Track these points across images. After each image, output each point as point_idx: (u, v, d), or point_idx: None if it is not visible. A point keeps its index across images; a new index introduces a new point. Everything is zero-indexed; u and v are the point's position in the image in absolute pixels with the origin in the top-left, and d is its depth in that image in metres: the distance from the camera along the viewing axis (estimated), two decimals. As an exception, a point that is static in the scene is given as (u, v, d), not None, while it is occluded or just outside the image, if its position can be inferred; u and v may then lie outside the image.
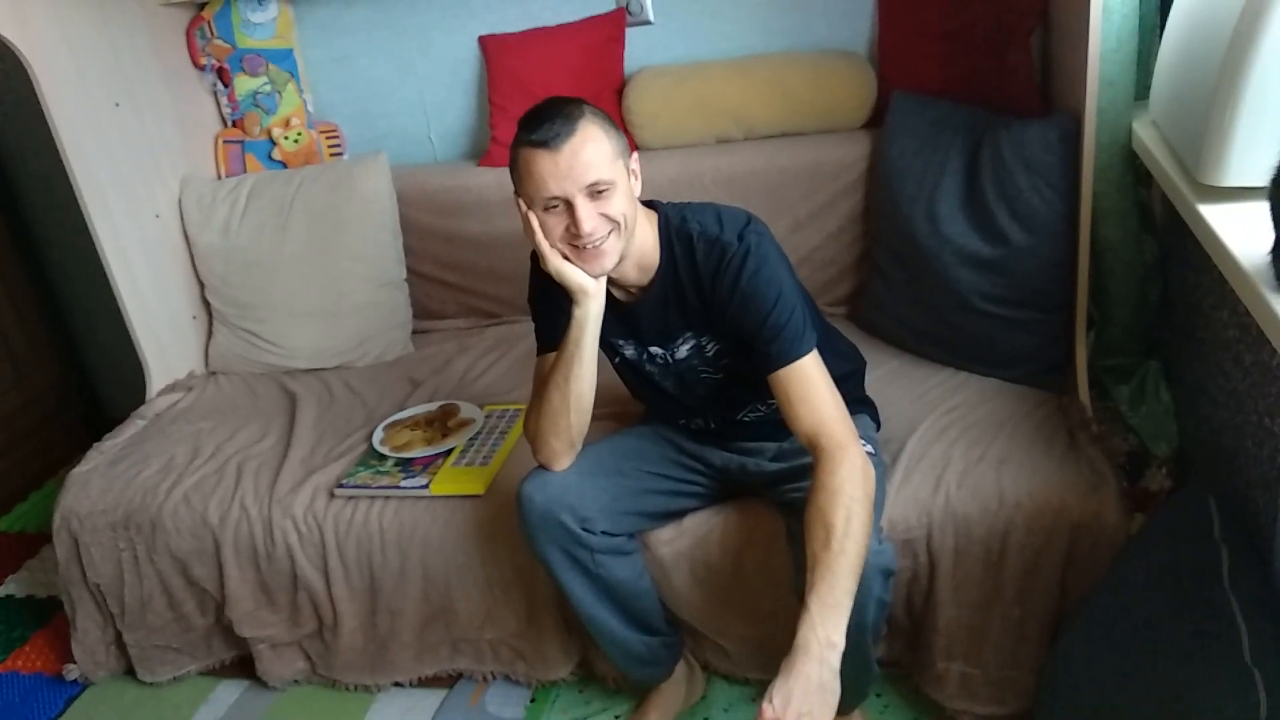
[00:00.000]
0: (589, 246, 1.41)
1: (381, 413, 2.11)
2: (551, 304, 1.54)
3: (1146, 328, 1.89)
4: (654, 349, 1.60)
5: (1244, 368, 1.47)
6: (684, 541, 1.70)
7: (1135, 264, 1.82)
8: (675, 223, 1.51)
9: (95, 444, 2.13)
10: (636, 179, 1.47)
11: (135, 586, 1.96)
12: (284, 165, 2.47)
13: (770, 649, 1.78)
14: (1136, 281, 1.83)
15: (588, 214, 1.39)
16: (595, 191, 1.39)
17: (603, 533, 1.58)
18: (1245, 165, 1.35)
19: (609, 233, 1.41)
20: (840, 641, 1.28)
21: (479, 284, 2.44)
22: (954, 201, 1.92)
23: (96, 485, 1.99)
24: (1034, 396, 1.86)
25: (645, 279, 1.52)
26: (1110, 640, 1.39)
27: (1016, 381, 1.90)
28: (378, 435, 1.99)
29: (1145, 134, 1.68)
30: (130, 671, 2.08)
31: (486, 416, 2.03)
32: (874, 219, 2.14)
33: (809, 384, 1.45)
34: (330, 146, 2.50)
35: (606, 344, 1.60)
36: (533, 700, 1.92)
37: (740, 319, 1.47)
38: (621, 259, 1.46)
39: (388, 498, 1.85)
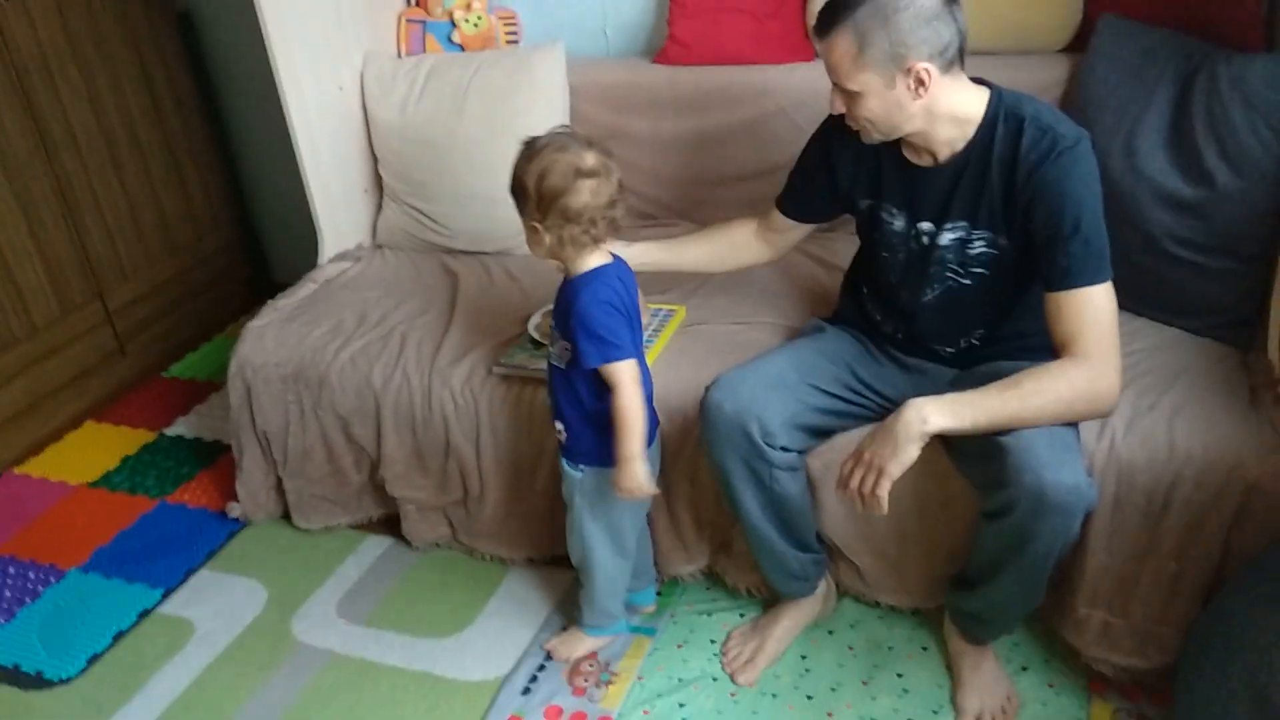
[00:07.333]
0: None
1: (537, 300, 2.14)
2: (810, 166, 1.69)
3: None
4: (924, 224, 1.56)
5: None
6: (833, 455, 1.68)
7: (1353, 220, 1.69)
8: (1010, 102, 1.47)
9: (270, 301, 2.24)
10: (923, 89, 1.40)
11: (299, 437, 2.08)
12: (461, 48, 2.50)
13: (905, 574, 1.78)
14: (1351, 239, 1.70)
15: (834, 100, 1.49)
16: (843, 89, 1.44)
17: (781, 448, 1.57)
18: None
19: (857, 126, 1.50)
20: (935, 427, 1.38)
21: (639, 184, 2.43)
22: (1156, 137, 1.80)
23: (271, 339, 2.10)
24: (1216, 350, 1.77)
25: (950, 151, 1.50)
26: (1276, 603, 1.33)
27: (1199, 333, 1.80)
28: (534, 321, 2.02)
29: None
30: (286, 516, 2.23)
31: (640, 313, 2.04)
32: (1061, 150, 2.03)
33: (1098, 316, 1.40)
34: (507, 33, 2.51)
35: (874, 213, 1.62)
36: (659, 594, 1.96)
37: (1050, 218, 1.42)
38: (920, 132, 1.48)
39: (542, 380, 1.89)
